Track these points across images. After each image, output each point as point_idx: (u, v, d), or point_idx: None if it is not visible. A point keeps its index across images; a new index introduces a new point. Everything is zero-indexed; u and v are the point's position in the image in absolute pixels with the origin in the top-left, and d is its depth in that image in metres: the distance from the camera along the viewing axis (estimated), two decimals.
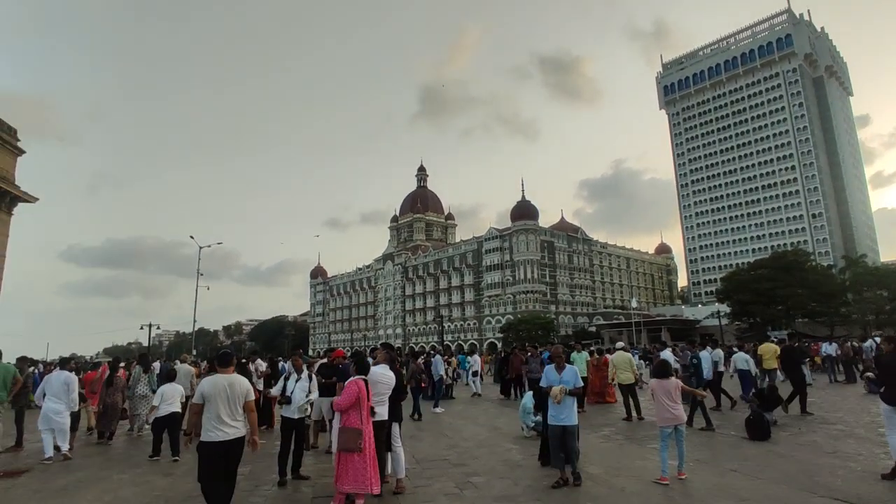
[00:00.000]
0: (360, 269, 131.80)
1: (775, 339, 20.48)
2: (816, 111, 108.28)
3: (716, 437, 9.30)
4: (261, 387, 11.60)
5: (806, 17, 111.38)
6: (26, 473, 7.94)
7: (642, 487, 6.20)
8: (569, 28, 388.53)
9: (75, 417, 10.38)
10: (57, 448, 8.81)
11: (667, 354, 12.02)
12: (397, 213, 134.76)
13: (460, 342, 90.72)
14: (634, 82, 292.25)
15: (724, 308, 67.89)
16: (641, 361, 25.34)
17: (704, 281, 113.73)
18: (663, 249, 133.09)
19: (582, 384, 6.77)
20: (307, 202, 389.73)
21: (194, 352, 37.62)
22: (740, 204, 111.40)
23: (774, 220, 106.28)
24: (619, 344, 13.56)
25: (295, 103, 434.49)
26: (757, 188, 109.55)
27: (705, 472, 6.89)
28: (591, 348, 13.96)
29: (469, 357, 21.42)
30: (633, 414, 11.67)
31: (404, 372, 19.33)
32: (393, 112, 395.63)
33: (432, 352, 18.60)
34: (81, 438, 10.73)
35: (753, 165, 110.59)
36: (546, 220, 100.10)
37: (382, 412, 6.04)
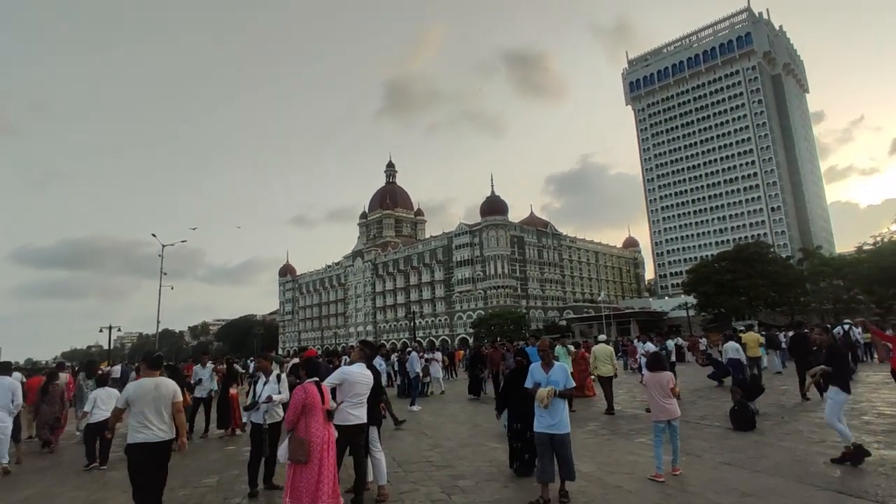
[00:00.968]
0: (329, 266, 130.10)
1: (742, 329, 20.85)
2: (775, 108, 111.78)
3: (701, 430, 9.16)
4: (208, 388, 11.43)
5: (765, 16, 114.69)
6: None
7: (638, 485, 5.94)
8: (532, 24, 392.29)
9: (17, 426, 9.62)
10: None
11: (650, 346, 11.91)
12: (366, 210, 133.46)
13: (432, 338, 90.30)
14: (599, 78, 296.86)
15: (691, 300, 69.45)
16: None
17: (671, 273, 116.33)
18: (631, 243, 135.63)
19: (574, 384, 5.75)
20: (272, 200, 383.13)
21: (158, 353, 36.03)
22: (704, 198, 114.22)
23: (736, 214, 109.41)
24: (601, 337, 13.42)
25: (256, 101, 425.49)
26: (719, 182, 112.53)
27: (698, 466, 6.68)
28: (571, 341, 13.61)
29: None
30: (613, 406, 11.57)
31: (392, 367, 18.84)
32: (357, 109, 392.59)
33: (408, 349, 17.96)
34: (22, 447, 9.94)
35: (716, 160, 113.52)
36: (515, 215, 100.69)
37: (361, 415, 5.59)
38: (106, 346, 56.72)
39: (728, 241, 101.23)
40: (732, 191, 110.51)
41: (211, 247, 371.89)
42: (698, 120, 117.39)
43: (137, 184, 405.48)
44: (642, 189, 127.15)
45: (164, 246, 38.92)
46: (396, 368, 18.57)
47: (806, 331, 12.34)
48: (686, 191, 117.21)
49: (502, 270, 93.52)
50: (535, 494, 5.44)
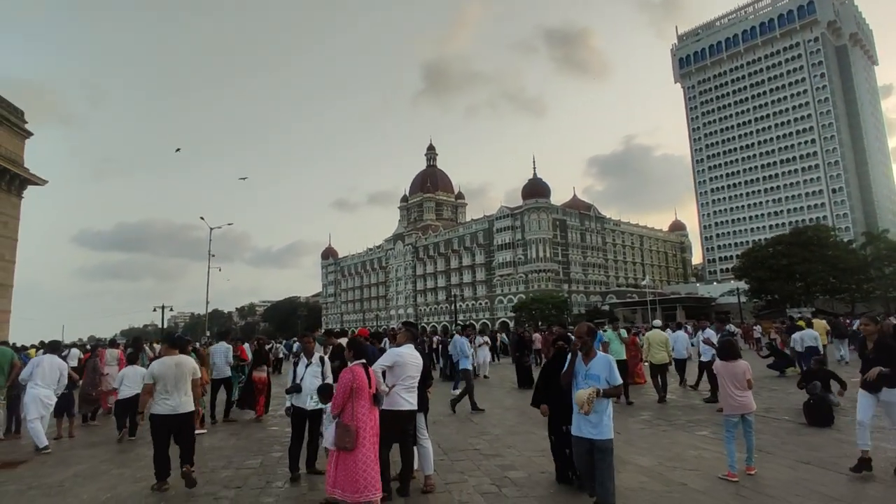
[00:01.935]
0: (370, 249, 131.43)
1: (799, 316, 19.56)
2: (839, 82, 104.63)
3: (768, 424, 8.46)
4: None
5: None
6: (23, 465, 7.36)
7: (707, 483, 5.40)
8: None
9: (69, 401, 9.86)
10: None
11: (710, 332, 11.16)
12: (407, 193, 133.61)
13: (472, 322, 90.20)
14: (644, 55, 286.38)
15: (742, 285, 66.57)
16: None
17: (720, 258, 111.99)
18: (677, 226, 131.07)
19: (620, 381, 4.46)
20: (314, 184, 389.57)
21: (207, 333, 37.32)
22: (758, 179, 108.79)
23: (793, 196, 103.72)
24: (656, 322, 12.71)
25: (299, 87, 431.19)
26: (775, 162, 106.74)
27: (773, 465, 6.07)
28: (624, 326, 12.69)
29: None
30: (664, 394, 10.96)
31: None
32: (396, 92, 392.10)
33: (453, 332, 17.67)
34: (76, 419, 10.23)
35: (772, 139, 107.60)
36: (555, 198, 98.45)
37: (413, 400, 5.27)
38: (160, 325, 59.23)
39: (783, 224, 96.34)
40: (789, 171, 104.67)
41: (256, 231, 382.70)
42: (753, 97, 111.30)
43: (187, 169, 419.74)
44: (691, 170, 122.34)
45: (211, 229, 39.98)
46: (439, 352, 18.36)
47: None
48: (738, 172, 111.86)
49: (544, 254, 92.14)
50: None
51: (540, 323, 65.60)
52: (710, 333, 11.10)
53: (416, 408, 5.32)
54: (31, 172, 39.45)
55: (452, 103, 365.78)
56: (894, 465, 5.59)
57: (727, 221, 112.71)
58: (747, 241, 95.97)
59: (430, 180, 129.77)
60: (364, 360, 4.86)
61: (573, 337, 4.70)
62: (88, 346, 20.69)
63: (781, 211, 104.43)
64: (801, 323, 15.61)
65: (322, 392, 5.46)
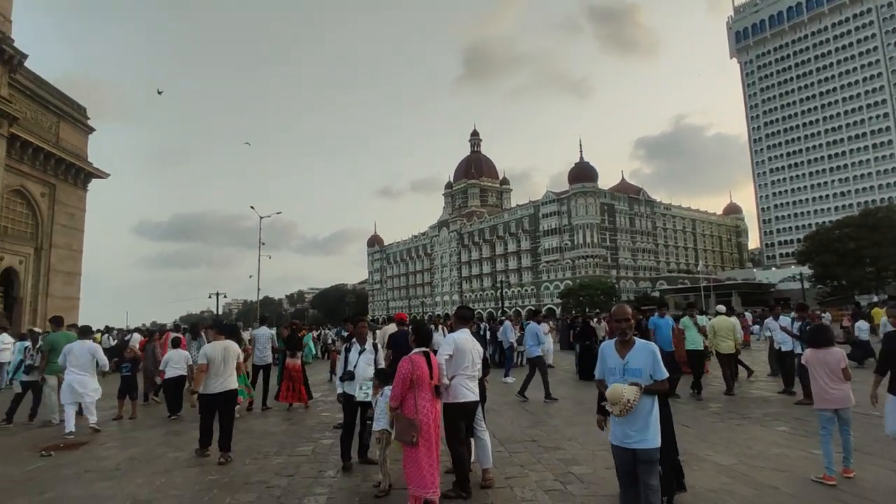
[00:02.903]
0: (415, 236, 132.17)
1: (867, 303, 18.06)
2: None
3: (859, 420, 7.64)
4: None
5: None
6: (84, 446, 7.50)
7: (800, 487, 4.83)
8: None
9: (132, 385, 10.07)
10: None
11: (785, 321, 10.29)
12: (451, 180, 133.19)
13: (518, 308, 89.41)
14: (696, 30, 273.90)
15: (805, 270, 62.98)
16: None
17: (780, 242, 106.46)
18: (732, 209, 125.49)
19: (666, 374, 3.53)
20: (359, 173, 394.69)
21: (259, 319, 38.37)
22: (822, 158, 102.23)
23: (862, 175, 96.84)
24: (720, 308, 11.86)
25: (342, 76, 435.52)
26: (842, 140, 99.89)
27: (873, 467, 5.38)
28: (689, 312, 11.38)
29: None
30: (732, 386, 10.21)
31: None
32: (437, 77, 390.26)
33: (502, 318, 17.25)
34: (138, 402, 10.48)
35: (838, 115, 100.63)
36: (601, 182, 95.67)
37: (475, 389, 4.95)
38: (216, 311, 61.61)
39: (851, 205, 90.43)
40: (858, 148, 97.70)
41: (303, 219, 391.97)
42: (818, 69, 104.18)
43: (238, 161, 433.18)
44: (748, 150, 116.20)
45: (261, 218, 41.19)
46: (486, 338, 18.02)
47: None
48: (800, 150, 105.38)
49: (591, 239, 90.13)
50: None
51: (587, 309, 64.33)
52: (786, 321, 10.23)
53: (477, 398, 5.01)
54: (95, 167, 41.49)
55: (495, 87, 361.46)
56: None
57: (788, 203, 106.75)
58: (810, 224, 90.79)
59: (475, 166, 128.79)
60: (427, 349, 4.56)
61: (619, 321, 3.60)
62: (145, 331, 21.50)
63: (848, 191, 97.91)
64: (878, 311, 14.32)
65: (380, 376, 5.38)
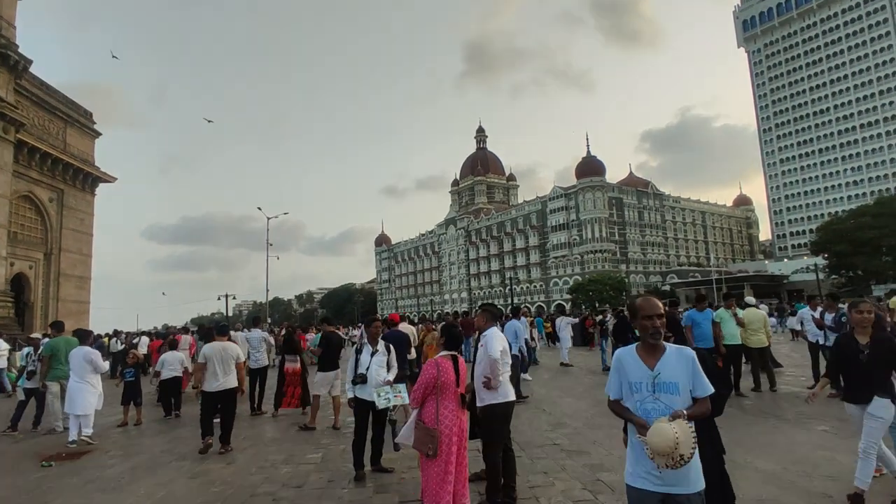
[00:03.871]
0: (422, 234, 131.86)
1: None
2: None
3: None
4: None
5: None
6: (86, 455, 7.21)
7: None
8: None
9: (136, 390, 9.71)
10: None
11: (805, 313, 9.77)
12: (458, 177, 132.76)
13: (527, 305, 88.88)
14: (701, 21, 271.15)
15: (819, 261, 61.98)
16: None
17: (791, 233, 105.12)
18: (742, 201, 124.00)
19: (711, 389, 2.56)
20: (363, 172, 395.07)
21: (269, 320, 38.20)
22: (834, 147, 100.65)
23: (877, 163, 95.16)
24: (750, 299, 11.34)
25: (341, 78, 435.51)
26: (854, 127, 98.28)
27: None
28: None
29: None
30: (768, 384, 9.69)
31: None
32: (440, 75, 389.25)
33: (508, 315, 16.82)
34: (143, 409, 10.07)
35: (850, 102, 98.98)
36: (608, 176, 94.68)
37: (511, 389, 4.63)
38: (225, 313, 61.59)
39: (864, 194, 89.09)
40: (871, 136, 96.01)
41: (311, 220, 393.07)
42: (828, 56, 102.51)
43: (243, 163, 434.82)
44: (757, 140, 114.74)
45: (268, 218, 41.00)
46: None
47: None
48: (811, 140, 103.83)
49: (600, 234, 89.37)
50: None
51: (597, 304, 63.67)
52: (807, 314, 9.70)
53: (513, 398, 4.71)
54: (102, 171, 41.51)
55: (498, 83, 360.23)
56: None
57: (799, 194, 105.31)
58: (822, 214, 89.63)
59: (481, 163, 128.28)
60: (455, 353, 4.20)
61: (649, 317, 2.61)
62: (155, 334, 21.29)
63: (861, 180, 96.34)
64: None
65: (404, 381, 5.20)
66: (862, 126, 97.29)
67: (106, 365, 8.84)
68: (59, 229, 36.52)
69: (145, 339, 19.44)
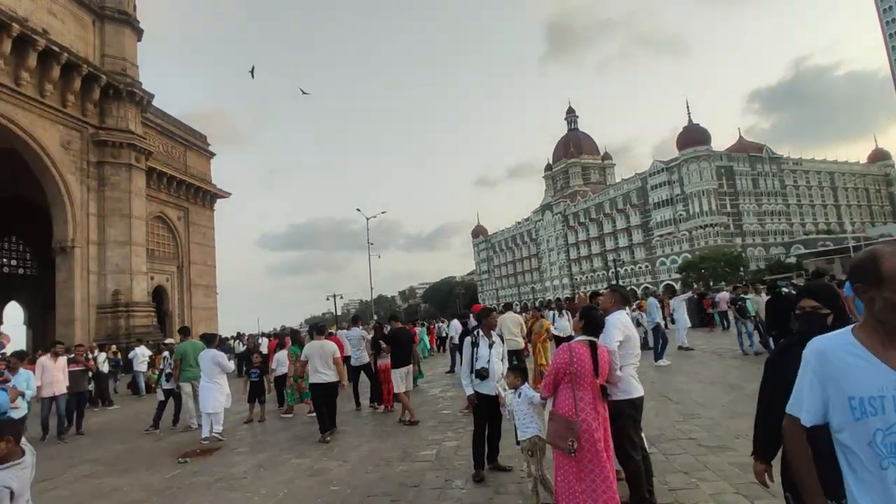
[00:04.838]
0: (519, 223, 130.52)
1: None
2: None
3: None
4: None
5: None
6: (217, 452, 7.64)
7: None
8: None
9: (261, 389, 10.22)
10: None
11: None
12: (550, 161, 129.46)
13: (632, 287, 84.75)
14: None
15: None
16: None
17: None
18: (879, 156, 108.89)
19: None
20: (454, 166, 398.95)
21: (374, 317, 39.55)
22: None
23: None
24: None
25: (422, 72, 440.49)
26: None
27: None
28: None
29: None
30: None
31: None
32: (522, 58, 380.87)
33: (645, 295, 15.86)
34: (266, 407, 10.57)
35: None
36: (713, 144, 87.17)
37: (631, 387, 4.09)
38: (334, 312, 65.11)
39: None
40: None
41: (407, 218, 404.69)
42: None
43: (341, 168, 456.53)
44: (891, 85, 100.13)
45: (367, 219, 42.51)
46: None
47: None
48: None
49: (709, 207, 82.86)
50: None
51: (711, 283, 59.11)
52: None
53: (642, 393, 4.21)
54: (218, 188, 45.30)
55: (583, 61, 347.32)
56: None
57: None
58: None
59: (573, 144, 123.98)
60: (594, 339, 3.76)
61: (873, 282, 1.54)
62: (272, 336, 22.69)
63: None
64: None
65: (519, 372, 4.82)
66: None
67: (232, 365, 9.39)
68: (188, 244, 40.33)
69: (265, 340, 20.81)
